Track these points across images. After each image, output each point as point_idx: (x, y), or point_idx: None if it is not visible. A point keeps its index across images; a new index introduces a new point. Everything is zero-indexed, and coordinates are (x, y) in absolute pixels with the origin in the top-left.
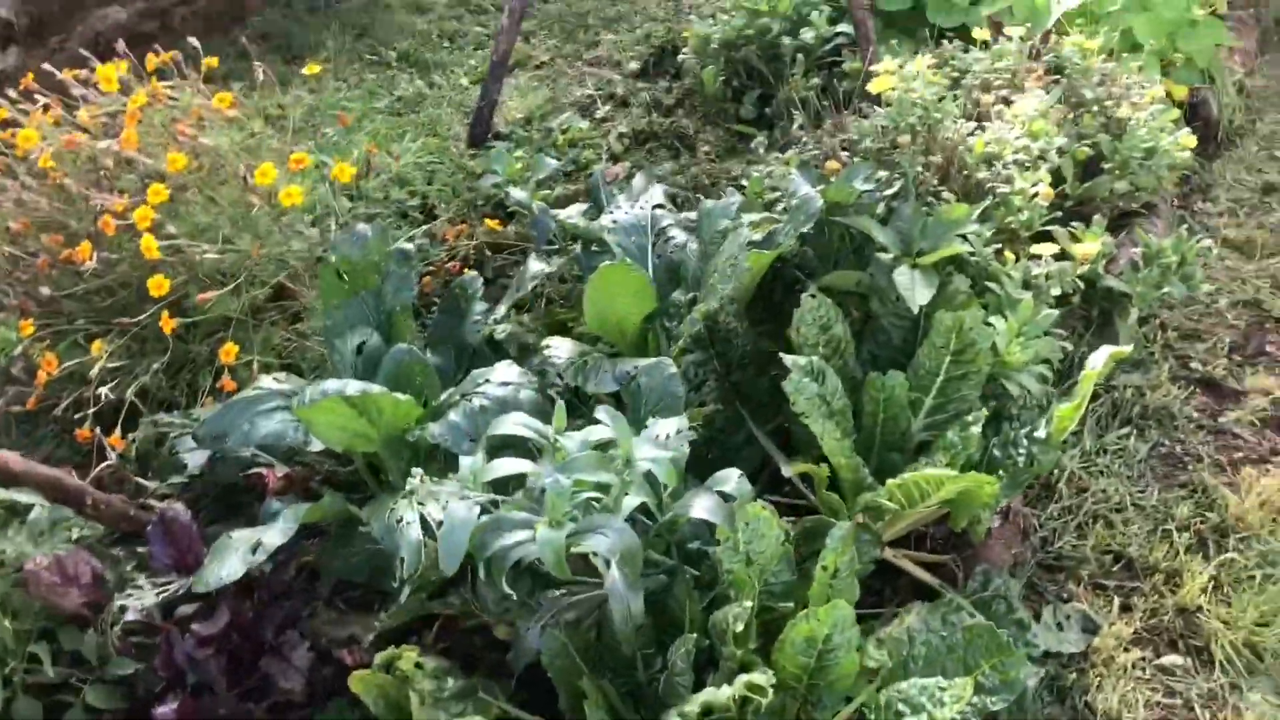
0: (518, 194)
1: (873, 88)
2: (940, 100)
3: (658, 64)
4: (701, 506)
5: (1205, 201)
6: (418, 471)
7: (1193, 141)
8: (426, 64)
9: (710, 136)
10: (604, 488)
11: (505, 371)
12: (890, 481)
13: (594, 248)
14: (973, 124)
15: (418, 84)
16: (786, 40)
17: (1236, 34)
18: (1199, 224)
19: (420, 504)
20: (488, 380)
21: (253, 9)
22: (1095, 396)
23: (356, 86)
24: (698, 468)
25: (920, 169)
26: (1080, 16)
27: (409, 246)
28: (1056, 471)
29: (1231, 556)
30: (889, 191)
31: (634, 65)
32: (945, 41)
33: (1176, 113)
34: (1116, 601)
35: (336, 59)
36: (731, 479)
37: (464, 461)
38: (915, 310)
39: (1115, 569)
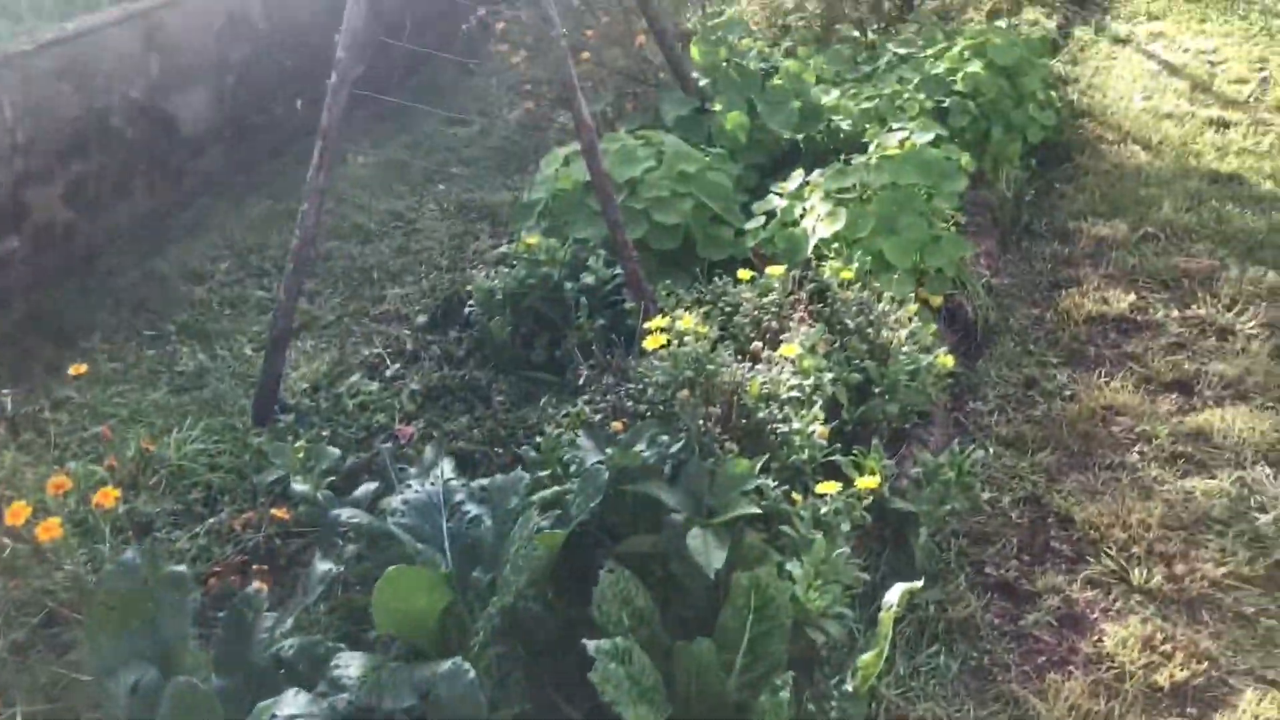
0: (300, 488)
1: (648, 345)
2: (713, 349)
3: (446, 315)
4: None
5: (976, 401)
6: None
7: (950, 361)
8: (208, 334)
9: (504, 385)
10: None
11: (292, 702)
12: None
13: (383, 541)
14: (748, 364)
15: (200, 358)
16: (568, 285)
17: (977, 239)
18: (972, 423)
19: None
20: (274, 716)
21: (18, 290)
22: (901, 619)
23: (134, 366)
24: None
25: (702, 421)
26: (836, 242)
27: (183, 570)
28: (874, 704)
29: None
30: (674, 449)
31: (422, 319)
32: (716, 278)
33: (934, 327)
34: None
35: (112, 338)
36: None
37: None
38: (710, 576)
39: None
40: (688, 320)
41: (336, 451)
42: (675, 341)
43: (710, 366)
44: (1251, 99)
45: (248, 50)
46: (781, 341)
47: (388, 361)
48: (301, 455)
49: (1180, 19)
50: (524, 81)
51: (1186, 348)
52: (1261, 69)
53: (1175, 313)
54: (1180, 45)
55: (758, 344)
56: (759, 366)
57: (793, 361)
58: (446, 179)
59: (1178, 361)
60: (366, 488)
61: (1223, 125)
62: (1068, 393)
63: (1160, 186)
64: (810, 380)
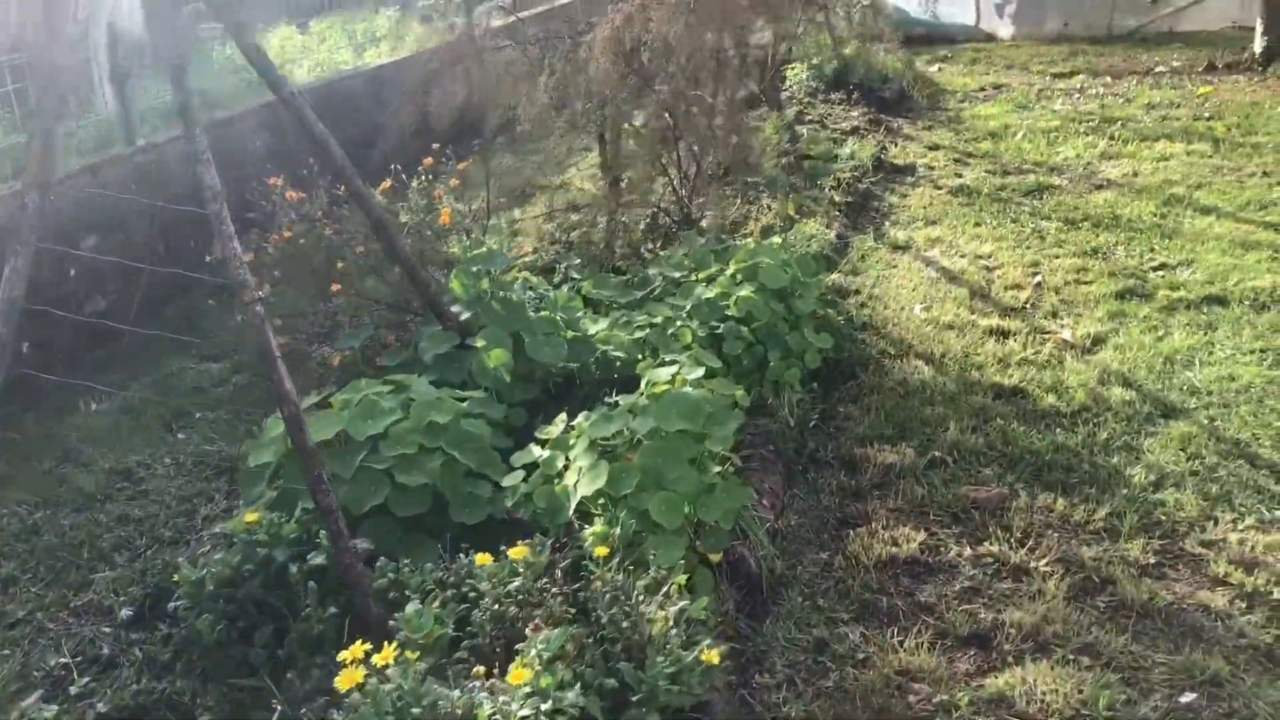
0: None
1: (340, 685)
2: (453, 648)
3: (156, 606)
4: None
5: (763, 673)
6: None
7: (716, 658)
8: None
9: (212, 699)
10: None
11: None
12: None
13: None
14: (478, 683)
15: None
16: (294, 568)
17: (760, 476)
18: (759, 701)
19: None
20: None
21: None
22: None
23: None
24: None
25: None
26: (600, 499)
27: None
28: None
29: None
30: None
31: (127, 612)
32: (462, 555)
33: (705, 601)
34: None
35: None
36: None
37: None
38: None
39: None
40: (388, 652)
41: None
42: (377, 679)
43: (416, 710)
44: (1028, 305)
45: None
46: (517, 652)
47: (74, 674)
48: None
49: (956, 223)
50: (276, 315)
51: (981, 593)
52: (1035, 273)
53: (967, 550)
54: (957, 250)
55: (479, 668)
56: (492, 684)
57: (530, 684)
58: (188, 426)
59: (973, 610)
60: None
61: (1002, 335)
62: (860, 655)
63: (945, 404)
64: (549, 704)
